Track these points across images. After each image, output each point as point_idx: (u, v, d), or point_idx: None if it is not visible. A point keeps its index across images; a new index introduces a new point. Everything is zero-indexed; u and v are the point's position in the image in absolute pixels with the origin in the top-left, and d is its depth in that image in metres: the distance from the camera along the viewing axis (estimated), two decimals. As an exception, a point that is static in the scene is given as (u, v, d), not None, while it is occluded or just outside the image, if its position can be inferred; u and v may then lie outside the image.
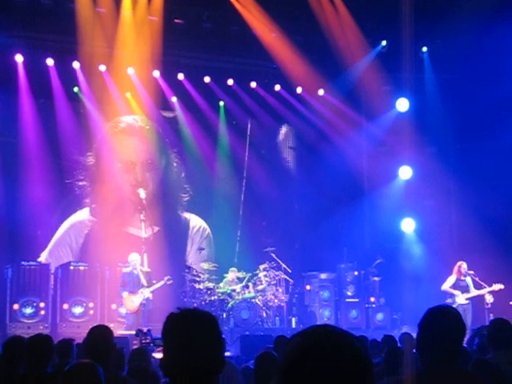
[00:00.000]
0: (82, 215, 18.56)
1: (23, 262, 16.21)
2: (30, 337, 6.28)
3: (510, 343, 6.07)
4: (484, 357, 6.16)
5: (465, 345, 8.36)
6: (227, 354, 13.34)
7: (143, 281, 15.68)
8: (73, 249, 18.31)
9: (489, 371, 4.99)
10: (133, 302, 15.57)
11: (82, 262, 17.00)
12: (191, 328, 2.79)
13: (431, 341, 3.68)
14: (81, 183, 18.45)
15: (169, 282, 16.07)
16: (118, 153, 18.83)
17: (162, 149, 19.45)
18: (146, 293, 15.61)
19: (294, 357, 1.96)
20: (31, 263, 16.31)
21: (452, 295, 16.07)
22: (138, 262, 15.83)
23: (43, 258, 17.67)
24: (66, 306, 16.19)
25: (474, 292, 16.04)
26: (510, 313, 14.87)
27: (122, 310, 16.37)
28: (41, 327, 15.20)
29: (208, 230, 19.79)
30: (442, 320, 3.72)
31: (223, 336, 2.92)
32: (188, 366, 2.72)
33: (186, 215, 19.81)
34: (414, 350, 3.83)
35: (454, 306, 15.31)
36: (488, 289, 15.90)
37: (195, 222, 19.81)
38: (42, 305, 15.90)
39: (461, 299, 15.95)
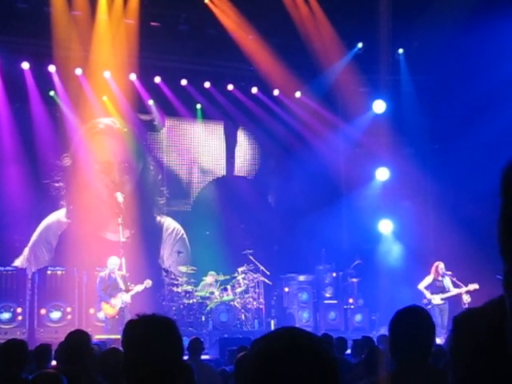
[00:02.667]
0: (57, 216, 18.46)
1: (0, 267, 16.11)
2: (4, 342, 6.23)
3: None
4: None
5: (443, 344, 8.42)
6: (206, 357, 13.35)
7: (122, 285, 15.51)
8: (48, 249, 18.24)
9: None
10: (112, 306, 15.44)
11: (59, 267, 16.89)
12: (148, 333, 2.82)
13: (401, 342, 3.75)
14: (57, 184, 18.36)
15: (148, 286, 15.95)
16: (96, 154, 18.73)
17: (139, 152, 19.40)
18: (125, 297, 15.47)
19: (259, 362, 1.93)
20: (8, 268, 16.19)
21: (426, 296, 16.20)
22: (117, 266, 15.63)
23: (23, 257, 17.66)
24: (43, 311, 16.08)
25: (448, 292, 16.14)
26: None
27: (100, 315, 16.28)
28: (18, 333, 15.04)
29: (182, 231, 19.75)
30: (410, 321, 3.80)
31: (182, 339, 2.94)
32: (145, 370, 2.75)
33: (161, 218, 19.77)
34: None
35: (429, 306, 15.46)
36: (463, 289, 15.99)
37: (168, 223, 19.77)
38: (19, 310, 15.76)
39: (436, 300, 16.07)
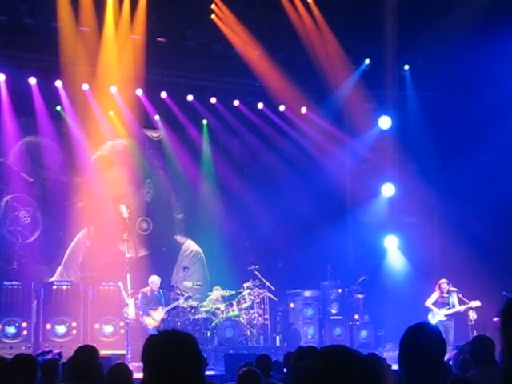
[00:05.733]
0: (84, 231, 18.73)
1: (5, 282, 16.07)
2: (13, 356, 6.20)
3: (492, 360, 6.08)
4: (464, 374, 6.17)
5: (450, 362, 8.39)
6: (211, 372, 13.33)
7: (163, 301, 16.53)
8: (78, 263, 18.52)
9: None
10: (153, 317, 16.22)
11: (64, 282, 16.93)
12: (169, 349, 2.80)
13: (412, 358, 3.71)
14: (79, 204, 18.44)
15: (181, 303, 16.73)
16: (109, 188, 18.66)
17: (148, 172, 19.41)
18: (164, 311, 16.40)
19: (314, 379, 2.01)
20: (13, 283, 16.16)
21: (432, 312, 16.19)
22: (158, 284, 16.61)
23: (59, 270, 18.01)
24: (48, 326, 16.05)
25: (451, 309, 16.11)
26: (494, 329, 14.92)
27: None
28: (23, 347, 15.04)
29: (201, 253, 19.77)
30: (421, 337, 3.75)
31: (203, 356, 2.92)
32: None
33: (181, 239, 19.82)
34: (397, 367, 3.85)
35: (434, 322, 15.41)
36: (465, 306, 15.95)
37: (188, 246, 19.80)
38: (24, 325, 15.72)
39: (440, 316, 16.04)
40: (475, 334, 14.37)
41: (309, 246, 18.98)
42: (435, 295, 16.30)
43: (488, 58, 16.96)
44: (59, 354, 10.16)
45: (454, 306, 16.13)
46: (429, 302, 16.30)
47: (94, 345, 6.69)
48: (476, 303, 15.85)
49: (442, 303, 16.24)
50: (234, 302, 17.29)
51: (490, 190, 17.61)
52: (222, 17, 17.93)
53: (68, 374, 5.85)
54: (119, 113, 18.59)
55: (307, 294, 18.93)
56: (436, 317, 16.02)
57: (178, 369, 2.76)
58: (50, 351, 10.33)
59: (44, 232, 18.09)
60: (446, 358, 8.91)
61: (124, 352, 14.87)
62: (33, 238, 17.89)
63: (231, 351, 15.73)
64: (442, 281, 16.32)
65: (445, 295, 16.24)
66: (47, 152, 18.06)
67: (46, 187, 18.09)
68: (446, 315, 16.09)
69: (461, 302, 16.13)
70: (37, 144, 17.97)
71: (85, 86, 17.82)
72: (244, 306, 17.36)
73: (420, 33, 18.09)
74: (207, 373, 9.62)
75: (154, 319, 16.15)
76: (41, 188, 17.92)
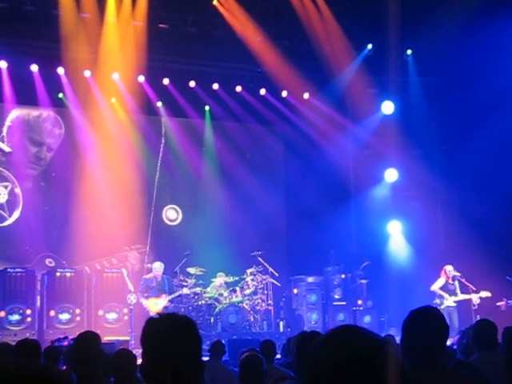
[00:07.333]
0: None
1: (9, 269, 16.10)
2: (18, 341, 6.23)
3: (495, 344, 6.08)
4: (467, 358, 6.17)
5: (454, 346, 8.39)
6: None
7: (167, 288, 16.50)
8: None
9: (469, 373, 5.01)
10: (157, 304, 16.13)
11: (68, 269, 16.94)
12: (168, 332, 2.79)
13: (415, 342, 3.71)
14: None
15: (186, 291, 16.67)
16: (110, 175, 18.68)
17: (150, 160, 19.39)
18: (167, 299, 16.41)
19: (334, 361, 1.95)
20: (17, 270, 16.20)
21: (440, 296, 16.15)
22: (161, 271, 16.60)
23: None
24: (52, 313, 16.09)
25: (461, 296, 16.09)
26: (497, 314, 14.95)
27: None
28: (27, 334, 15.03)
29: None
30: (424, 321, 3.76)
31: (201, 339, 2.91)
32: (166, 371, 2.73)
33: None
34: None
35: (442, 307, 15.41)
36: (475, 295, 15.93)
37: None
38: (28, 312, 15.77)
39: (449, 302, 16.02)
40: (478, 318, 14.38)
41: (312, 232, 18.99)
42: (441, 281, 16.26)
43: (491, 42, 16.89)
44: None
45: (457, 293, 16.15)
46: (435, 287, 16.26)
47: (98, 331, 6.72)
48: (486, 294, 15.84)
49: (448, 289, 16.21)
50: (237, 288, 17.33)
51: (493, 175, 17.58)
52: (223, 2, 17.84)
53: (69, 359, 5.87)
54: (121, 99, 18.57)
55: (310, 279, 18.94)
56: (445, 302, 16.00)
57: (176, 352, 2.75)
58: (66, 337, 10.43)
59: (47, 220, 18.04)
60: (449, 343, 8.94)
61: (128, 338, 14.95)
62: (12, 220, 17.78)
63: (235, 337, 15.76)
64: (449, 268, 16.26)
65: (450, 282, 16.22)
66: (48, 123, 18.12)
67: (49, 175, 18.10)
68: (455, 301, 16.09)
69: (463, 288, 16.14)
70: (37, 116, 18.06)
71: (87, 73, 17.80)
72: (247, 291, 17.40)
73: (423, 17, 18.00)
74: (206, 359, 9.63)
75: (157, 306, 16.12)
76: (44, 176, 18.01)
